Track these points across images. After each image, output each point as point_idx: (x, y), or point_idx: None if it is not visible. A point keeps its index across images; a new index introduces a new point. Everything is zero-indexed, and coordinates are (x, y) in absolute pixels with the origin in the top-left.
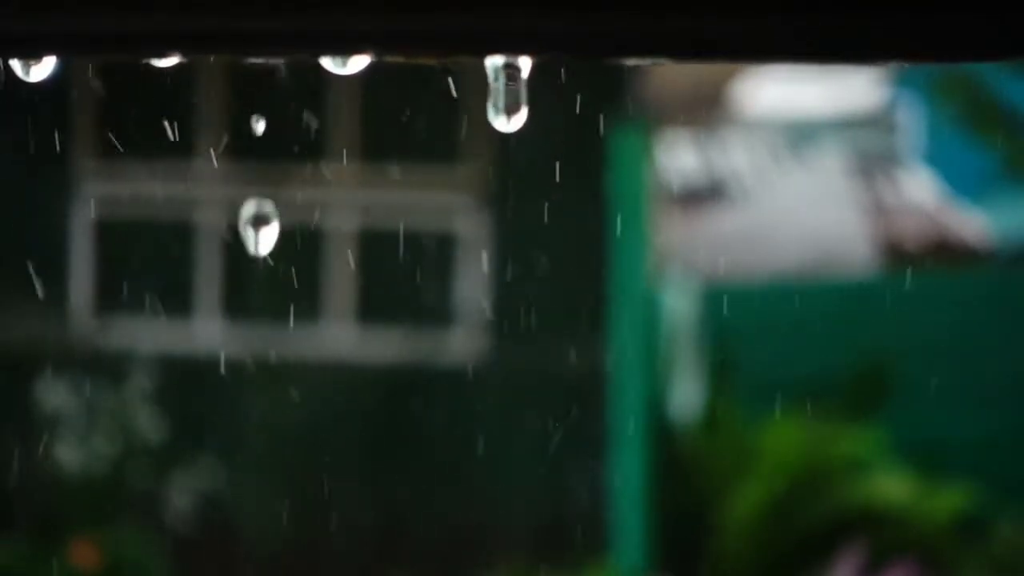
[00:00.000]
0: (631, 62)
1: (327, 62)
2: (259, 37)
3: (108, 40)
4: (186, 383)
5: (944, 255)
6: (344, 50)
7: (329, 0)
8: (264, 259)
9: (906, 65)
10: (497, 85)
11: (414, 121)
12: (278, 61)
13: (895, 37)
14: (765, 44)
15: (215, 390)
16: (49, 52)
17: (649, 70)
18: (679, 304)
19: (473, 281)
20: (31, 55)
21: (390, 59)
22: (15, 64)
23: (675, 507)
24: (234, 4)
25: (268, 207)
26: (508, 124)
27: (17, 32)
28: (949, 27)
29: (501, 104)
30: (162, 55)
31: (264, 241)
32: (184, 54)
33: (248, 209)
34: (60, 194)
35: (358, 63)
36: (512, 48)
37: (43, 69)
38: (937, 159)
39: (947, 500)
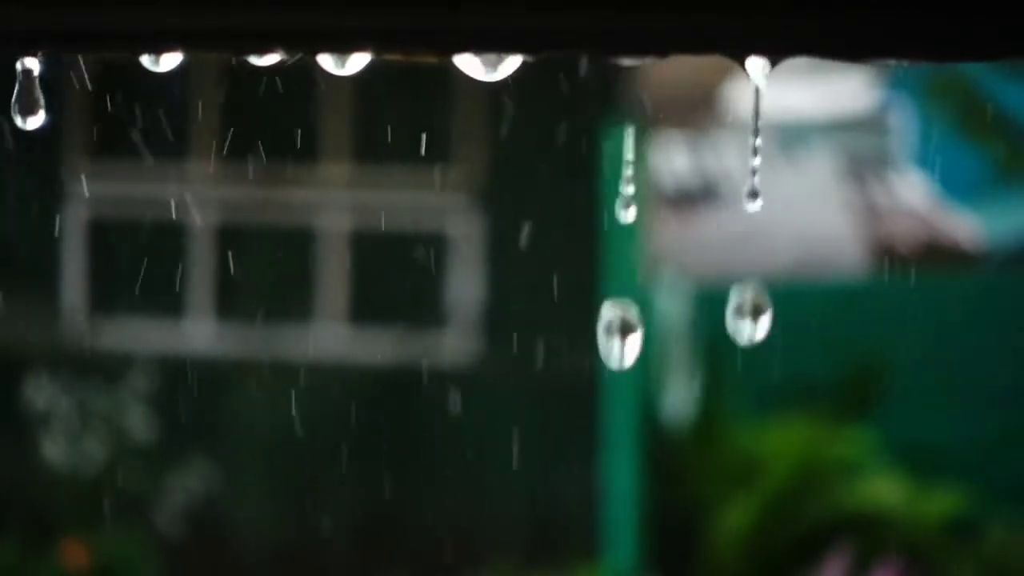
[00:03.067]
0: (631, 62)
1: (326, 61)
2: (258, 35)
3: (106, 37)
4: (179, 384)
5: (936, 258)
6: (343, 48)
7: None
8: (259, 259)
9: (904, 65)
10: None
11: (407, 121)
12: (274, 60)
13: (893, 37)
14: (765, 43)
15: (207, 391)
16: (47, 48)
17: (642, 70)
18: (671, 306)
19: (466, 282)
20: (30, 51)
21: (389, 57)
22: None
23: (667, 509)
24: (233, 2)
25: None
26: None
27: (15, 28)
28: (948, 27)
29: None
30: (160, 52)
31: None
32: (182, 51)
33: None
34: (52, 194)
35: (356, 63)
36: (510, 47)
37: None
38: (930, 162)
39: (939, 503)
